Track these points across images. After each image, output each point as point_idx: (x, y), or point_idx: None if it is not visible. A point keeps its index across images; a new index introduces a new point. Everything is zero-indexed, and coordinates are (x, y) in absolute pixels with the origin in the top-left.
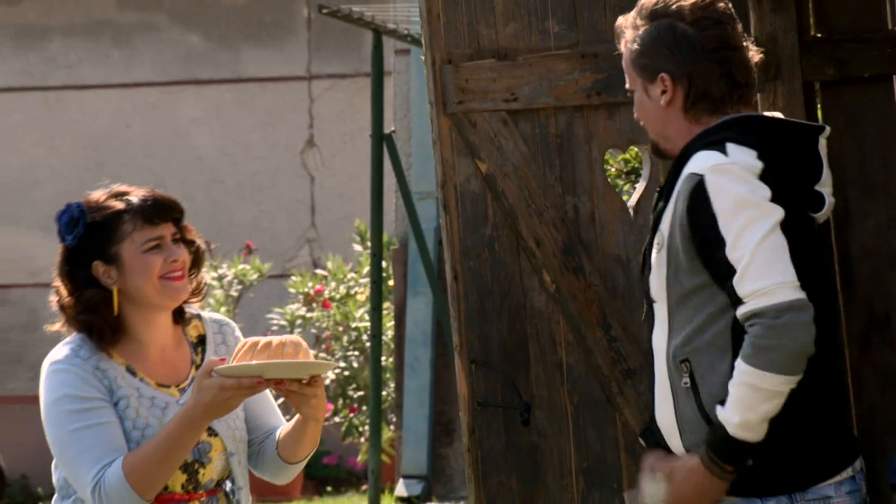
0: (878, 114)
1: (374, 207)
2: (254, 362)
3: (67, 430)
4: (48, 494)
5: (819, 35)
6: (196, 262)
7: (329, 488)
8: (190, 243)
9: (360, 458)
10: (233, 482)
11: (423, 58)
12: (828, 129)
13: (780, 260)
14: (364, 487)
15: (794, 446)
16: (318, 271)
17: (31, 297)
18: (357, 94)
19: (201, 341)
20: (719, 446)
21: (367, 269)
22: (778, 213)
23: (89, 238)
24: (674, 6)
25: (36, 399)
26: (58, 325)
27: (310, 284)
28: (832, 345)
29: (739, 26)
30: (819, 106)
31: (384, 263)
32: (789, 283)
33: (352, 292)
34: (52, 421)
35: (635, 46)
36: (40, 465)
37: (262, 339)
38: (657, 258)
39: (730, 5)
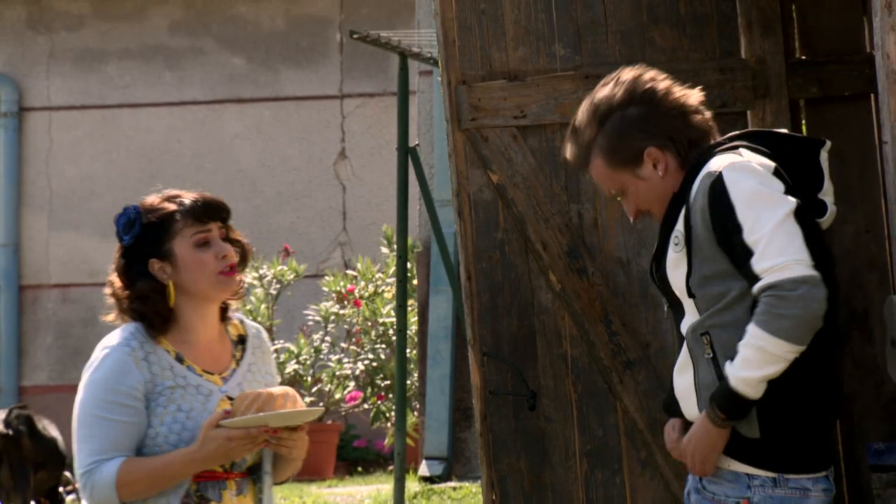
0: (857, 129)
1: (399, 214)
2: (260, 414)
3: (90, 412)
4: None
5: (804, 57)
6: (242, 261)
7: (359, 469)
8: (235, 242)
9: (387, 441)
10: (261, 468)
11: (440, 78)
12: (828, 143)
13: (796, 240)
14: (390, 468)
15: (794, 434)
16: (349, 272)
17: (90, 295)
18: (385, 111)
19: (241, 340)
20: (719, 396)
21: (393, 269)
22: (792, 202)
23: (145, 237)
24: (616, 100)
25: None
26: (111, 316)
27: (341, 284)
28: (833, 346)
29: (666, 81)
30: (804, 122)
31: (409, 264)
32: (804, 261)
33: (379, 291)
34: (83, 397)
35: (604, 145)
36: None
37: (263, 392)
38: (675, 257)
39: (650, 74)
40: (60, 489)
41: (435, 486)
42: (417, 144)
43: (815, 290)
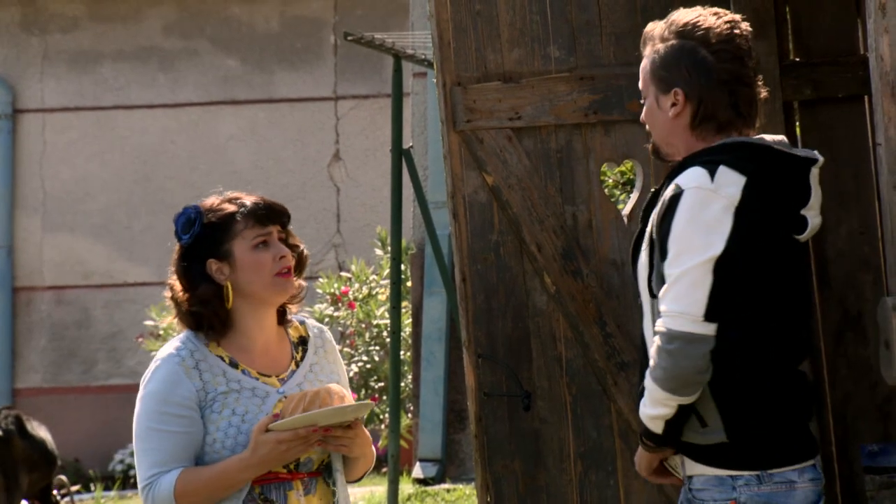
0: (850, 130)
1: (393, 216)
2: (306, 413)
3: (146, 425)
4: (99, 476)
5: (798, 59)
6: (299, 266)
7: None
8: (293, 247)
9: (381, 443)
10: (331, 466)
11: (435, 80)
12: (821, 159)
13: (697, 291)
14: (384, 470)
15: (765, 432)
16: (343, 274)
17: (84, 297)
18: (379, 112)
19: (302, 342)
20: (642, 423)
21: (387, 271)
22: (716, 250)
23: (204, 237)
24: (700, 32)
25: (88, 390)
26: (170, 318)
27: (336, 286)
28: (799, 354)
29: (753, 63)
30: (797, 123)
31: (403, 266)
32: (692, 316)
33: (373, 293)
34: (140, 410)
35: (657, 57)
36: (92, 449)
37: (309, 391)
38: (644, 255)
39: (749, 42)
40: (54, 492)
41: (429, 488)
42: (411, 146)
43: (690, 347)
